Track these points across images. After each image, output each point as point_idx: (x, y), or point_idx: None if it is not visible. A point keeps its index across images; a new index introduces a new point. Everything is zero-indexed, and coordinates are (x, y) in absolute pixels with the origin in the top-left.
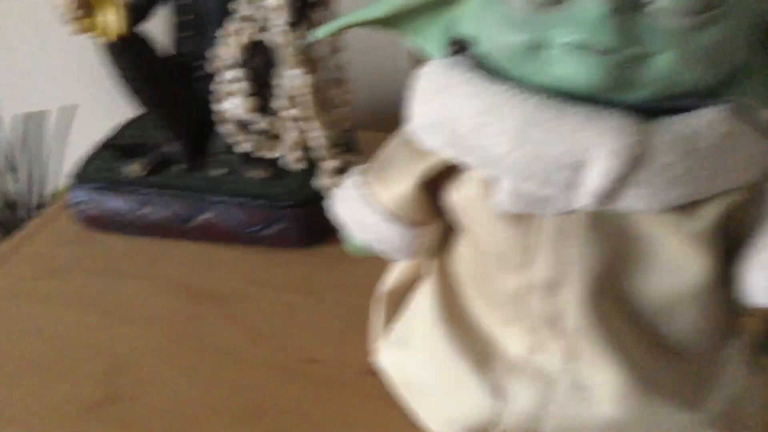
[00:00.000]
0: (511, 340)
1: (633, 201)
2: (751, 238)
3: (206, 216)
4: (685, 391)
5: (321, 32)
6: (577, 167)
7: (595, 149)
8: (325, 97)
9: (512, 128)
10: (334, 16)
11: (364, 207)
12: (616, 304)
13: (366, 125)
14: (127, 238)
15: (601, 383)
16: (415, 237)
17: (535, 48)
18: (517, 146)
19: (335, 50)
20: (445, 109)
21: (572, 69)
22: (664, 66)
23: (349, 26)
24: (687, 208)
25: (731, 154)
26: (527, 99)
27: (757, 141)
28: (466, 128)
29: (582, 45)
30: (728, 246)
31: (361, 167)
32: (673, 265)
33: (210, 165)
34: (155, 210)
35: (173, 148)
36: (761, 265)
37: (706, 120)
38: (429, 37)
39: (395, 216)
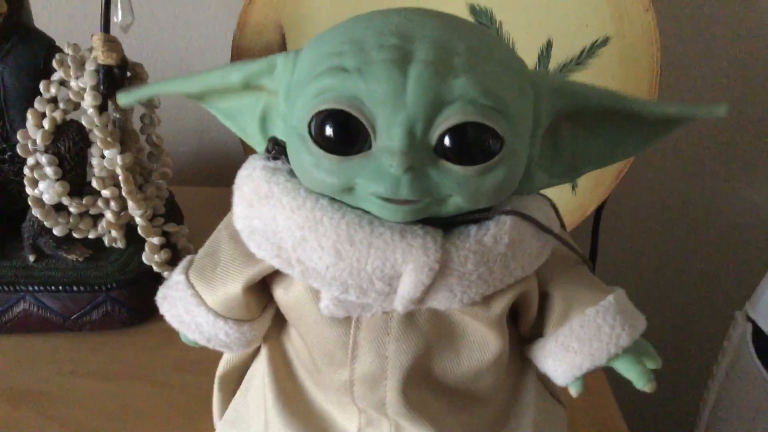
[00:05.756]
0: (344, 418)
1: (439, 302)
2: (538, 324)
3: (22, 307)
4: (491, 430)
5: (125, 99)
6: (390, 280)
7: (405, 265)
8: (142, 171)
9: (329, 246)
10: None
11: (189, 308)
12: (428, 383)
13: (186, 180)
14: None
15: None
16: (244, 333)
17: (345, 189)
18: (334, 263)
19: (152, 124)
20: (267, 220)
21: (378, 211)
22: (455, 205)
23: (157, 95)
24: (484, 301)
25: (518, 254)
26: (343, 216)
27: (537, 237)
28: (289, 243)
29: (383, 197)
30: (518, 312)
31: (184, 262)
32: (478, 345)
33: (23, 251)
34: None
35: None
36: (553, 356)
37: (491, 235)
38: (247, 130)
39: (222, 317)
